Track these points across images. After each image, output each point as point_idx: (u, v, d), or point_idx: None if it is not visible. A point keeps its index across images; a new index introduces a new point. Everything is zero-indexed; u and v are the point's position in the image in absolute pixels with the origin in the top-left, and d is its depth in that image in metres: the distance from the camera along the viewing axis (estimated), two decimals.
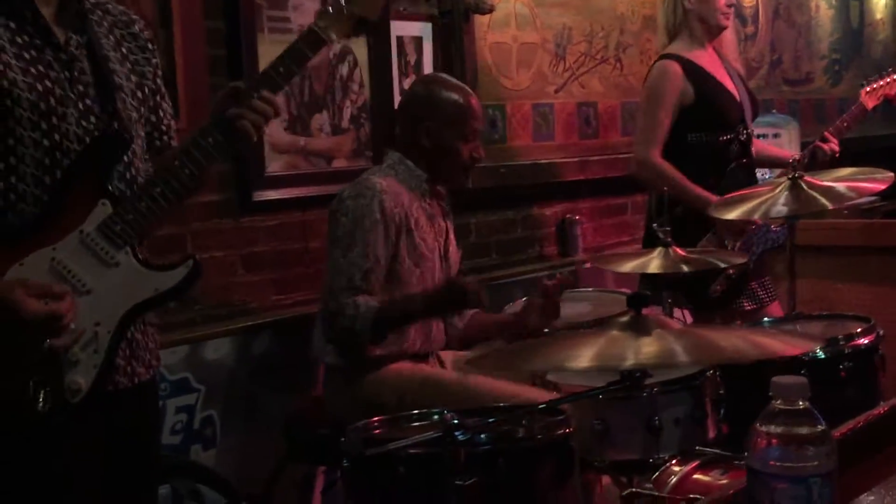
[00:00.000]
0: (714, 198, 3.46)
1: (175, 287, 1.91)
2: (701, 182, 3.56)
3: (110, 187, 1.89)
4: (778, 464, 1.11)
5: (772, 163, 3.98)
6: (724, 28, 3.69)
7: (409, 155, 2.95)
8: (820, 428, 1.12)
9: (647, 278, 3.46)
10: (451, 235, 3.08)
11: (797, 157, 3.70)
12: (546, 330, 2.96)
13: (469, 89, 3.04)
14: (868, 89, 4.02)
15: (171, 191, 1.89)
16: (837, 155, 3.79)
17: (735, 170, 3.65)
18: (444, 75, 3.17)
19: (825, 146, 3.78)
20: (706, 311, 3.60)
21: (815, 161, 3.73)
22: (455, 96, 2.95)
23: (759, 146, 3.90)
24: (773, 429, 1.12)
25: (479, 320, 3.11)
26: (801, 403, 1.14)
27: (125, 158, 1.93)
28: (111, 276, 1.87)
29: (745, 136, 3.68)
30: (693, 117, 3.60)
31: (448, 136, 2.92)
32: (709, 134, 3.62)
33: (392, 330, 2.81)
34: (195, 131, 1.95)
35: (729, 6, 3.65)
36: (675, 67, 3.61)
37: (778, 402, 1.14)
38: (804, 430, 1.11)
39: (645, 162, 3.61)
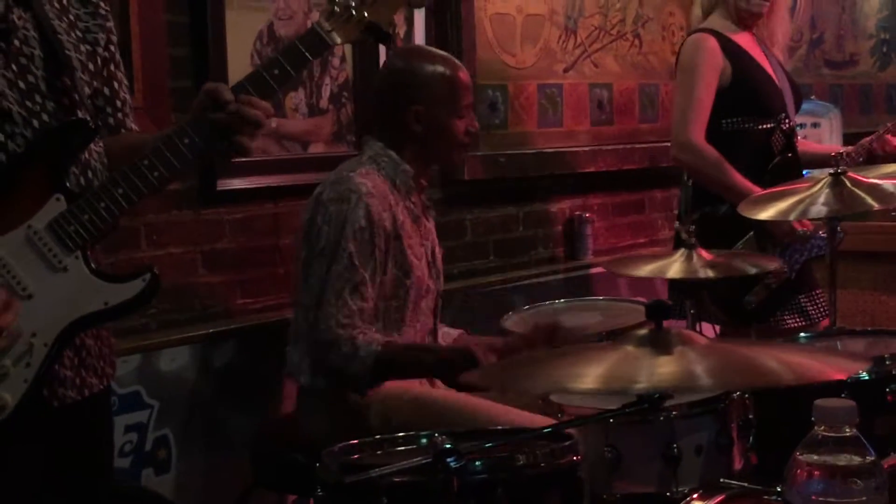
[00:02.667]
0: (761, 191, 3.44)
1: (127, 302, 1.91)
2: (742, 176, 3.56)
3: (68, 183, 1.90)
4: (821, 499, 1.11)
5: (818, 162, 3.85)
6: (759, 16, 3.71)
7: (394, 143, 2.94)
8: (869, 459, 1.12)
9: (676, 286, 3.46)
10: (435, 235, 3.09)
11: (845, 150, 3.71)
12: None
13: (454, 58, 3.05)
14: None
15: (135, 192, 1.89)
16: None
17: (780, 165, 3.65)
18: (423, 46, 3.17)
19: (880, 145, 3.77)
20: (741, 324, 3.60)
21: (869, 158, 3.73)
22: (441, 69, 2.94)
23: (802, 144, 3.91)
24: (815, 458, 1.12)
25: (466, 342, 3.11)
26: (847, 430, 1.14)
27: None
28: (57, 282, 1.86)
29: (787, 126, 3.69)
30: (729, 100, 3.62)
31: (441, 117, 2.93)
32: (746, 120, 3.64)
33: (390, 379, 2.82)
34: (171, 130, 1.95)
35: None
36: (712, 42, 3.64)
37: (821, 428, 1.14)
38: (851, 461, 1.11)
39: (686, 144, 3.60)
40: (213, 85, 1.95)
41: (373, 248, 2.80)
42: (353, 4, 2.00)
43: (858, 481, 1.11)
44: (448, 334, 3.14)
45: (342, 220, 2.79)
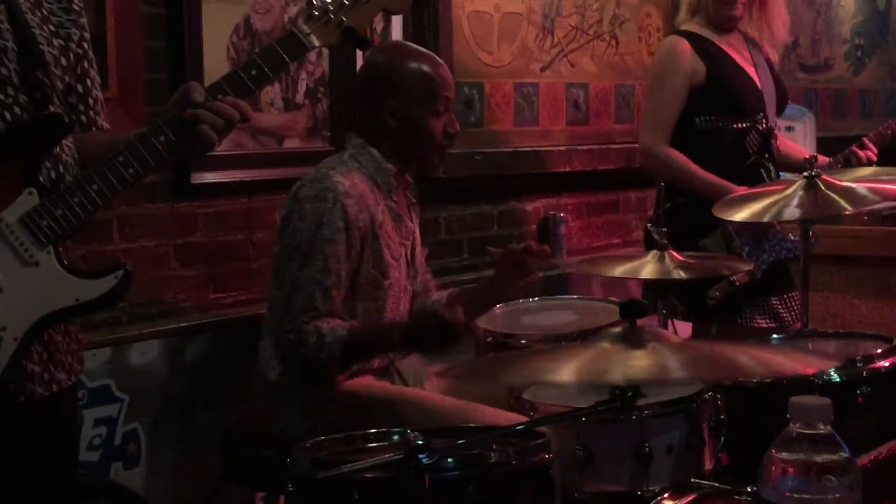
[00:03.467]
0: (734, 186, 3.50)
1: (99, 298, 1.90)
2: (714, 175, 3.59)
3: (41, 177, 1.88)
4: (795, 495, 1.11)
5: (797, 166, 3.89)
6: (733, 18, 3.73)
7: (374, 140, 2.92)
8: (843, 455, 1.13)
9: (651, 286, 3.47)
10: (417, 234, 3.07)
11: (815, 155, 3.72)
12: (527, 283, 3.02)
13: (436, 56, 3.03)
14: None
15: (109, 188, 1.88)
16: (874, 163, 3.80)
17: (755, 165, 3.67)
18: (407, 42, 3.16)
19: (862, 153, 3.77)
20: (702, 319, 3.63)
21: (849, 168, 3.74)
22: (421, 65, 2.92)
23: (784, 145, 3.93)
24: (790, 456, 1.12)
25: (457, 299, 3.08)
26: (822, 427, 1.14)
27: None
28: (28, 276, 1.85)
29: (764, 127, 3.71)
30: (703, 99, 3.66)
31: (417, 114, 2.90)
32: (720, 119, 3.67)
33: (359, 362, 2.81)
34: (147, 127, 1.94)
35: None
36: (683, 45, 3.68)
37: (797, 425, 1.15)
38: (825, 458, 1.11)
39: (649, 151, 3.68)
40: (189, 84, 1.95)
41: (348, 249, 2.78)
42: (332, 8, 2.00)
43: (833, 478, 1.12)
44: (439, 302, 3.09)
45: (318, 219, 2.77)
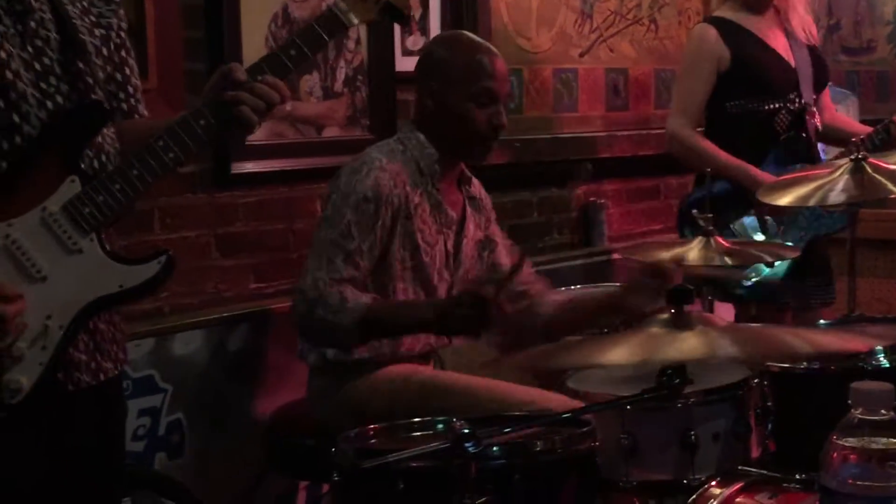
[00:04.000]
0: (756, 170, 3.53)
1: (142, 284, 1.90)
2: (745, 158, 3.59)
3: (83, 164, 1.89)
4: (857, 482, 1.09)
5: (841, 138, 3.81)
6: (769, 1, 3.72)
7: (419, 123, 2.95)
8: None
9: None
10: (472, 231, 3.02)
11: (863, 135, 3.69)
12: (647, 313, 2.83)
13: (494, 50, 2.99)
14: None
15: (150, 173, 1.88)
16: None
17: (787, 142, 3.66)
18: (468, 34, 3.12)
19: None
20: (740, 304, 3.63)
21: (890, 141, 3.70)
22: (468, 53, 2.92)
23: (834, 118, 3.91)
24: (851, 442, 1.10)
25: (569, 302, 3.03)
26: (884, 413, 1.12)
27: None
28: (72, 264, 1.86)
29: (798, 105, 3.69)
30: (731, 83, 3.67)
31: (453, 97, 2.88)
32: (751, 101, 3.67)
33: (380, 336, 2.79)
34: (186, 112, 1.93)
35: None
36: (711, 32, 3.71)
37: (858, 411, 1.13)
38: (888, 444, 1.09)
39: (674, 136, 3.71)
40: (229, 65, 1.95)
41: (375, 220, 2.78)
42: None
43: None
44: (549, 302, 3.02)
45: (349, 188, 2.79)
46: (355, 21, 2.00)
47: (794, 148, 3.66)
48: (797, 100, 3.70)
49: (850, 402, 1.15)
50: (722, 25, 3.71)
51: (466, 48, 2.94)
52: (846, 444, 1.11)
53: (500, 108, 2.92)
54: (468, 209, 3.02)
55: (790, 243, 3.51)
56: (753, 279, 3.52)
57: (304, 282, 2.75)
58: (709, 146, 3.64)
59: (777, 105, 3.67)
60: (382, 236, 2.80)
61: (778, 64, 3.70)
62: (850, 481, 1.11)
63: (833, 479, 1.12)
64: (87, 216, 1.86)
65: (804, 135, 3.70)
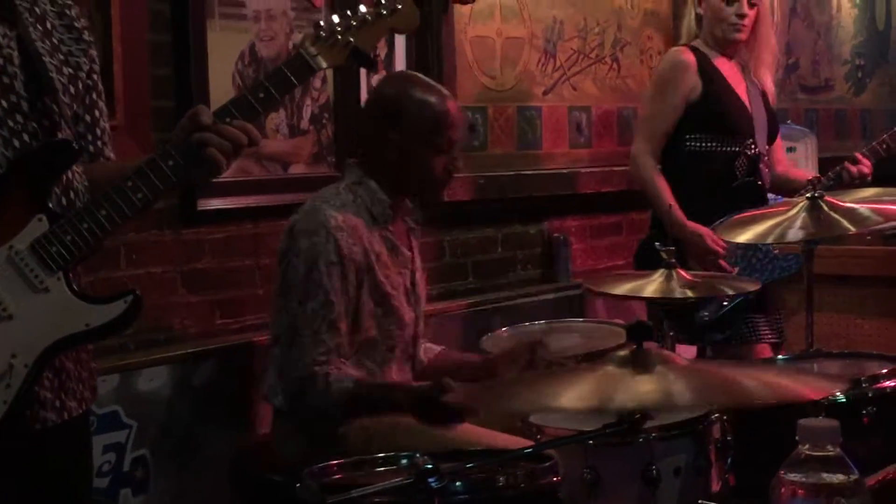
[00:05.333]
0: (683, 218, 3.59)
1: (108, 324, 1.91)
2: (699, 198, 3.64)
3: (50, 203, 1.89)
4: None
5: (795, 188, 3.80)
6: (735, 41, 3.77)
7: (372, 169, 2.91)
8: (853, 477, 1.14)
9: (656, 308, 3.49)
10: (417, 261, 3.05)
11: (819, 176, 3.75)
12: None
13: (447, 91, 3.00)
14: None
15: (118, 214, 1.89)
16: (868, 178, 3.82)
17: (741, 188, 3.70)
18: (419, 74, 3.14)
19: (853, 168, 3.79)
20: (693, 339, 3.67)
21: (841, 184, 3.76)
22: (430, 99, 2.89)
23: (787, 170, 3.98)
24: (799, 477, 1.13)
25: (446, 359, 3.11)
26: (830, 449, 1.15)
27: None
28: (38, 302, 1.86)
29: (753, 151, 3.73)
30: (694, 117, 3.70)
31: (418, 150, 2.87)
32: (710, 140, 3.71)
33: (363, 415, 2.81)
34: (155, 153, 1.94)
35: (740, 17, 3.72)
36: (689, 57, 3.74)
37: (805, 447, 1.16)
38: (835, 479, 1.12)
39: (635, 157, 3.76)
40: (196, 108, 1.95)
41: (344, 282, 2.79)
42: (339, 29, 2.02)
43: (843, 500, 1.12)
44: (430, 349, 3.13)
45: (314, 254, 2.77)
46: (323, 65, 2.01)
47: (749, 194, 3.69)
48: (753, 146, 3.74)
49: (795, 437, 1.18)
50: (698, 54, 3.74)
51: (425, 94, 2.90)
52: (794, 480, 1.14)
53: (456, 154, 2.94)
54: (412, 240, 3.04)
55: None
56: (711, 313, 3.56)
57: (294, 363, 2.76)
58: (656, 178, 3.69)
59: (736, 149, 3.71)
60: (353, 295, 2.81)
61: (740, 108, 3.74)
62: None
63: None
64: (54, 255, 1.86)
65: (759, 182, 3.75)
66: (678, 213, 3.59)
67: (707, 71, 3.72)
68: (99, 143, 2.08)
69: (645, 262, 3.45)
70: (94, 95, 2.06)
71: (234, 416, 3.30)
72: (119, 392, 3.10)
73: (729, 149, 3.70)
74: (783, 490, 1.15)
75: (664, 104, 3.72)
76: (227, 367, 3.34)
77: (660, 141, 3.72)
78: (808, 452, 1.16)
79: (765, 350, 3.68)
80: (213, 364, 3.32)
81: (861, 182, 3.79)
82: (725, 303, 3.53)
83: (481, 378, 2.94)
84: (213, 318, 3.43)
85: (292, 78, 1.99)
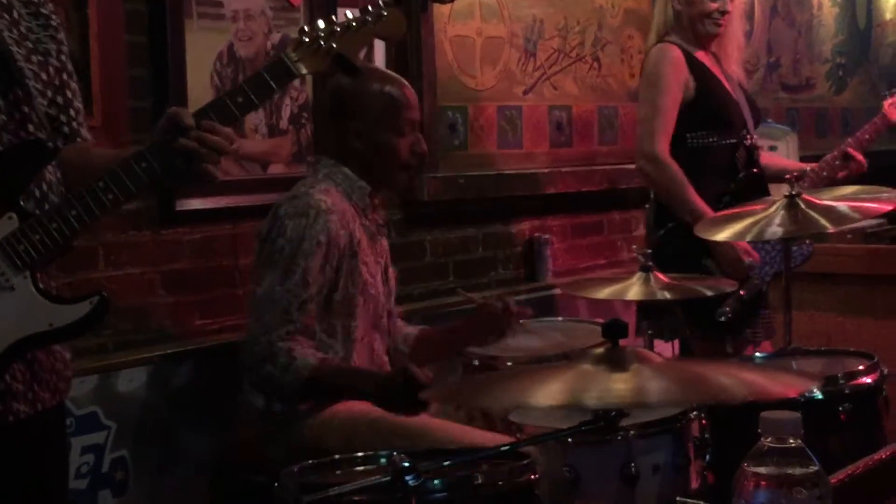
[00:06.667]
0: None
1: (73, 325, 1.90)
2: (706, 193, 3.62)
3: (21, 201, 1.89)
4: None
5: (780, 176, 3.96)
6: (714, 35, 3.78)
7: (344, 161, 2.98)
8: (813, 468, 1.16)
9: (642, 307, 3.52)
10: (388, 254, 3.12)
11: (809, 167, 3.80)
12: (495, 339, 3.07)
13: (400, 77, 3.07)
14: (891, 101, 4.13)
15: (88, 214, 1.89)
16: (865, 170, 3.86)
17: (744, 180, 3.71)
18: (370, 65, 3.19)
19: (858, 156, 3.86)
20: (715, 338, 3.65)
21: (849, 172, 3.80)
22: (384, 87, 2.97)
23: (767, 157, 3.98)
24: (762, 469, 1.15)
25: (426, 338, 3.15)
26: (792, 441, 1.17)
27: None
28: (2, 300, 1.86)
29: (750, 143, 3.75)
30: (693, 115, 3.68)
31: (381, 135, 2.95)
32: (710, 136, 3.70)
33: (321, 397, 2.82)
34: (129, 153, 1.94)
35: (721, 13, 3.73)
36: (677, 52, 3.71)
37: (768, 439, 1.18)
38: (796, 471, 1.14)
39: (652, 156, 3.64)
40: (176, 110, 1.96)
41: (324, 264, 2.82)
42: (323, 35, 2.02)
43: (803, 490, 1.14)
44: (409, 336, 3.17)
45: (300, 235, 2.81)
46: (304, 71, 2.01)
47: (753, 186, 3.70)
48: (748, 136, 3.76)
49: (759, 430, 1.20)
50: (682, 49, 3.72)
51: (379, 82, 2.98)
52: (757, 472, 1.16)
53: (419, 136, 3.02)
54: (385, 233, 3.10)
55: (760, 279, 3.60)
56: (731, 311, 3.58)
57: (255, 333, 2.79)
58: (683, 179, 3.59)
59: (734, 140, 3.72)
60: (330, 278, 2.84)
61: (731, 100, 3.75)
62: None
63: None
64: (21, 253, 1.86)
65: (757, 171, 3.77)
66: (708, 210, 3.54)
67: (696, 66, 3.72)
68: (74, 123, 2.07)
69: (671, 263, 3.39)
70: (65, 76, 2.05)
71: (213, 416, 3.30)
72: (98, 393, 3.10)
73: (728, 141, 3.71)
74: (746, 482, 1.17)
75: (668, 98, 3.65)
76: (206, 368, 3.34)
77: (669, 136, 3.64)
78: (770, 445, 1.18)
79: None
80: (193, 365, 3.32)
81: (845, 179, 3.83)
82: (744, 297, 3.55)
83: (453, 342, 3.12)
84: (193, 319, 3.43)
85: (272, 83, 1.99)
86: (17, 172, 1.90)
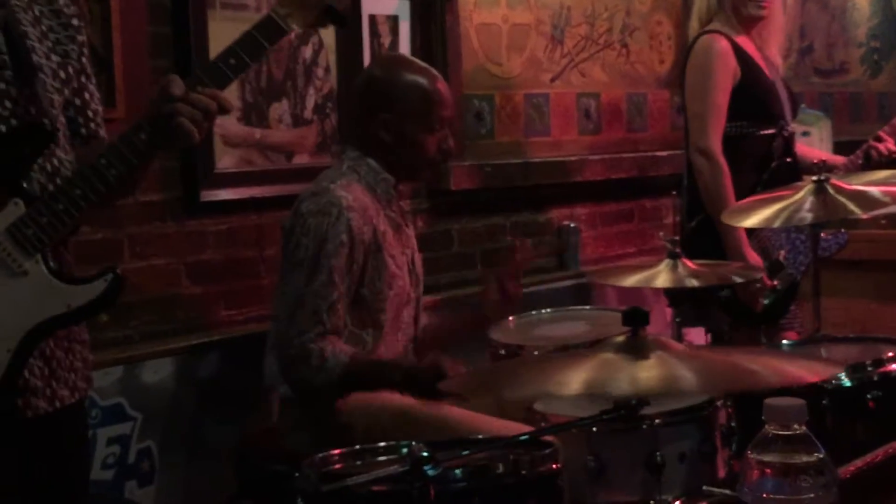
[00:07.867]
0: (749, 248, 3.57)
1: (90, 303, 1.91)
2: (740, 182, 3.60)
3: (26, 185, 1.90)
4: (772, 496, 1.13)
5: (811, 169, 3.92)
6: (759, 19, 3.74)
7: (368, 152, 2.96)
8: (817, 456, 1.14)
9: (672, 295, 3.51)
10: (414, 241, 3.11)
11: (837, 157, 3.77)
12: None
13: (436, 72, 3.05)
14: None
15: (93, 193, 1.89)
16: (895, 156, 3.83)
17: (779, 169, 3.69)
18: (407, 56, 3.18)
19: (880, 146, 3.79)
20: (750, 327, 3.64)
21: (870, 163, 3.76)
22: (418, 80, 2.95)
23: (801, 149, 3.95)
24: (766, 457, 1.14)
25: (435, 327, 3.17)
26: (797, 428, 1.16)
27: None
28: (16, 286, 1.86)
29: (787, 132, 3.73)
30: (736, 104, 3.65)
31: (410, 129, 2.93)
32: (750, 125, 3.68)
33: (358, 391, 2.82)
34: (129, 128, 1.95)
35: None
36: (724, 43, 3.67)
37: (772, 427, 1.17)
38: (800, 459, 1.13)
39: (706, 151, 3.62)
40: (167, 78, 1.95)
41: (350, 263, 2.82)
42: None
43: (808, 478, 1.13)
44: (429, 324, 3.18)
45: (322, 234, 2.80)
46: (294, 26, 2.00)
47: (786, 176, 3.66)
48: (786, 127, 3.74)
49: (763, 418, 1.19)
50: (728, 38, 3.69)
51: (414, 75, 2.96)
52: (762, 459, 1.15)
53: (448, 133, 2.99)
54: (410, 222, 3.11)
55: (795, 270, 3.59)
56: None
57: (288, 335, 2.79)
58: (729, 182, 3.58)
59: (773, 131, 3.70)
60: (356, 275, 2.85)
61: (772, 88, 3.73)
62: (766, 495, 1.14)
63: (750, 493, 1.16)
64: (31, 238, 1.87)
65: (791, 160, 3.74)
66: (747, 244, 3.57)
67: (741, 56, 3.69)
68: (92, 125, 2.09)
69: (702, 254, 3.36)
70: (83, 79, 2.07)
71: (239, 407, 3.31)
72: (123, 384, 3.12)
73: (767, 131, 3.69)
74: (750, 470, 1.16)
75: (720, 94, 3.62)
76: (231, 359, 3.36)
77: (721, 131, 3.63)
78: (774, 432, 1.17)
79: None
80: (218, 355, 3.34)
81: (890, 160, 3.79)
82: (778, 287, 3.55)
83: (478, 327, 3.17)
84: (218, 310, 3.45)
85: (263, 42, 1.97)
86: (18, 157, 1.90)
